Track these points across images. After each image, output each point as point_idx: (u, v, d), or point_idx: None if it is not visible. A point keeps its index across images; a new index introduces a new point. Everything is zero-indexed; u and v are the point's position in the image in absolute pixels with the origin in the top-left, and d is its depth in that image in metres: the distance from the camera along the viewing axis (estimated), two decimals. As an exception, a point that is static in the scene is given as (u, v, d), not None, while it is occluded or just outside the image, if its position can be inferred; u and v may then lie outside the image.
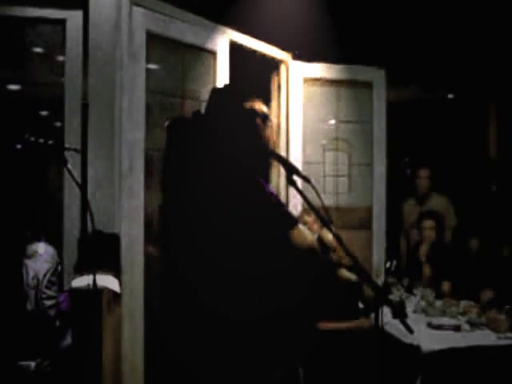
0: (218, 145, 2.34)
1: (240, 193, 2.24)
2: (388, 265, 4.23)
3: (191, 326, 2.32)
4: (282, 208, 2.30)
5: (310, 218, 4.06)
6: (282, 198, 4.54)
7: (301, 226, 2.32)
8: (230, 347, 2.30)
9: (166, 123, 3.43)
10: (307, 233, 2.35)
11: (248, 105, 2.39)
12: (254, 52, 4.30)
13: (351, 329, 3.59)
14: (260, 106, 2.40)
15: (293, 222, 2.29)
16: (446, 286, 4.17)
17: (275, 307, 2.52)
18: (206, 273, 2.27)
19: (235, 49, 4.02)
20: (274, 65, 4.69)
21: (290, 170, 2.16)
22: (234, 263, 2.25)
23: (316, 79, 4.83)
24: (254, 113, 2.38)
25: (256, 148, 2.38)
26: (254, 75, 4.27)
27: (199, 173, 2.33)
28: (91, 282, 2.62)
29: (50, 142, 2.74)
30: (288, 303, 2.71)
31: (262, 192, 2.27)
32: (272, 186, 2.39)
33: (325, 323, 3.62)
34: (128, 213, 3.25)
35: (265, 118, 2.39)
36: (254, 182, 2.28)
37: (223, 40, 3.90)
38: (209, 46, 3.79)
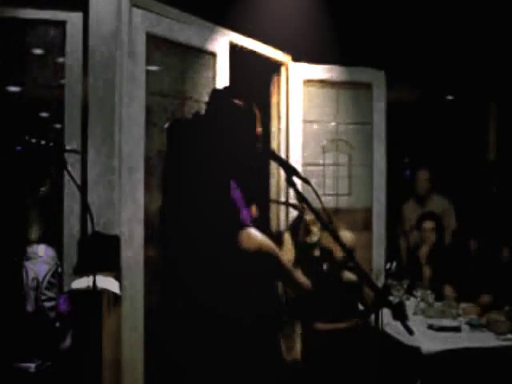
0: (217, 146, 2.35)
1: (209, 193, 2.25)
2: (388, 266, 4.23)
3: (191, 327, 2.32)
4: (232, 211, 2.29)
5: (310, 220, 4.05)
6: (282, 200, 4.55)
7: (251, 229, 2.30)
8: (228, 347, 2.30)
9: (166, 125, 3.43)
10: (257, 235, 2.33)
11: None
12: (253, 53, 4.30)
13: (345, 328, 3.59)
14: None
15: (240, 224, 2.28)
16: (448, 290, 4.16)
17: (273, 308, 2.52)
18: (205, 273, 2.28)
19: (235, 50, 4.02)
20: (273, 66, 4.69)
21: (290, 171, 2.17)
22: (229, 264, 2.26)
23: (316, 80, 4.83)
24: (254, 114, 2.39)
25: (256, 149, 2.38)
26: (253, 77, 4.27)
27: (199, 174, 2.34)
28: (91, 284, 2.62)
29: (50, 144, 2.74)
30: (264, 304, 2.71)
31: (224, 194, 2.26)
32: (239, 195, 2.37)
33: (321, 324, 3.63)
34: (128, 214, 3.25)
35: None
36: (224, 186, 2.27)
37: (223, 41, 3.90)
38: (209, 47, 3.79)
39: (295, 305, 3.51)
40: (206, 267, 2.26)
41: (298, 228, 3.90)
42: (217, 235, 2.24)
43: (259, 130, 2.41)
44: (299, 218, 4.01)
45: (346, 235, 3.89)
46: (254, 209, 3.77)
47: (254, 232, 2.32)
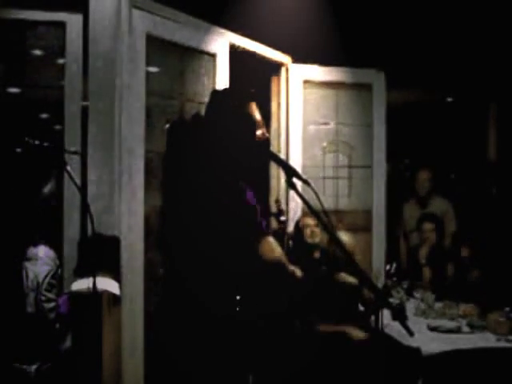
0: (217, 147, 2.35)
1: (222, 196, 2.26)
2: (388, 267, 4.23)
3: (191, 327, 2.32)
4: (253, 218, 2.32)
5: (311, 221, 4.05)
6: (283, 201, 4.54)
7: (270, 239, 2.35)
8: (228, 348, 2.30)
9: (166, 126, 3.43)
10: (275, 246, 2.38)
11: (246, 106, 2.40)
12: (253, 54, 4.30)
13: (346, 332, 3.59)
14: (254, 111, 2.41)
15: (260, 233, 2.31)
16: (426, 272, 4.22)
17: (273, 309, 2.53)
18: (206, 273, 2.28)
19: (235, 51, 4.02)
20: (273, 67, 4.69)
21: (290, 172, 2.16)
22: (229, 264, 2.26)
23: (316, 82, 4.83)
24: (254, 115, 2.39)
25: (254, 150, 2.38)
26: (253, 77, 4.27)
27: (199, 175, 2.34)
28: (91, 285, 2.62)
29: (50, 145, 2.74)
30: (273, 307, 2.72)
31: (240, 198, 2.29)
32: (252, 194, 2.41)
33: (324, 326, 3.63)
34: (128, 215, 3.25)
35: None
36: (237, 188, 2.29)
37: (223, 42, 3.90)
38: (208, 48, 3.79)
39: (298, 306, 3.52)
40: (213, 269, 2.26)
41: (281, 241, 3.91)
42: (234, 240, 2.25)
43: (259, 131, 2.40)
44: (281, 232, 4.01)
45: (345, 237, 3.89)
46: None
47: (274, 242, 2.35)
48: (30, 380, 2.96)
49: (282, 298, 3.38)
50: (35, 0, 3.29)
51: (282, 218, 3.76)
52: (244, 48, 4.16)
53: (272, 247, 2.35)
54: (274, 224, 4.16)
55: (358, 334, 3.55)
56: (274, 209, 4.27)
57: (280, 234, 3.78)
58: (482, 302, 3.79)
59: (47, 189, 3.66)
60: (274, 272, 2.39)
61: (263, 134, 2.40)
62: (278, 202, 4.07)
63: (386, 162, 5.05)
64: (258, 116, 2.42)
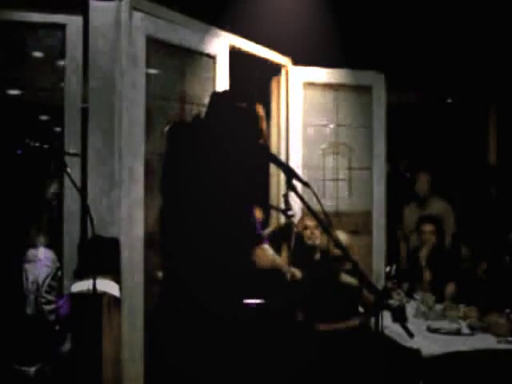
0: (217, 149, 2.35)
1: (222, 197, 2.27)
2: (388, 269, 4.22)
3: (191, 328, 2.32)
4: (249, 225, 2.33)
5: (311, 223, 4.05)
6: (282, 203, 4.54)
7: (265, 246, 2.36)
8: (228, 348, 2.30)
9: (166, 128, 3.43)
10: (270, 253, 2.40)
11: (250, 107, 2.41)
12: (253, 56, 4.31)
13: (342, 329, 3.60)
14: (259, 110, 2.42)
15: (256, 240, 2.33)
16: (450, 288, 4.17)
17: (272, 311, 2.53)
18: (205, 274, 2.28)
19: (235, 53, 4.02)
20: (273, 69, 4.69)
21: (290, 174, 2.17)
22: (228, 264, 2.27)
23: (316, 83, 4.84)
24: (257, 116, 2.40)
25: (256, 152, 2.39)
26: (253, 79, 4.27)
27: (198, 176, 2.34)
28: (91, 287, 2.62)
29: (50, 147, 2.74)
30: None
31: (240, 199, 2.30)
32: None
33: (323, 325, 3.63)
34: (128, 216, 3.25)
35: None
36: (236, 189, 2.30)
37: (223, 44, 3.90)
38: (208, 50, 3.80)
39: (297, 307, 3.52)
40: (212, 270, 2.27)
41: (289, 235, 3.91)
42: (232, 241, 2.26)
43: (263, 130, 2.41)
44: (289, 226, 4.01)
45: (341, 236, 3.89)
46: (258, 212, 3.79)
47: (268, 249, 2.36)
48: (30, 382, 2.96)
49: (282, 299, 3.38)
50: (35, 2, 3.29)
51: (290, 213, 3.75)
52: (244, 50, 4.16)
53: (266, 254, 2.37)
54: (282, 219, 4.15)
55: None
56: (281, 204, 4.24)
57: (287, 230, 3.78)
58: (482, 303, 3.79)
59: (50, 191, 3.66)
60: (270, 275, 2.41)
61: (265, 141, 2.41)
62: (285, 196, 4.02)
63: (386, 164, 5.05)
64: (263, 125, 2.43)
